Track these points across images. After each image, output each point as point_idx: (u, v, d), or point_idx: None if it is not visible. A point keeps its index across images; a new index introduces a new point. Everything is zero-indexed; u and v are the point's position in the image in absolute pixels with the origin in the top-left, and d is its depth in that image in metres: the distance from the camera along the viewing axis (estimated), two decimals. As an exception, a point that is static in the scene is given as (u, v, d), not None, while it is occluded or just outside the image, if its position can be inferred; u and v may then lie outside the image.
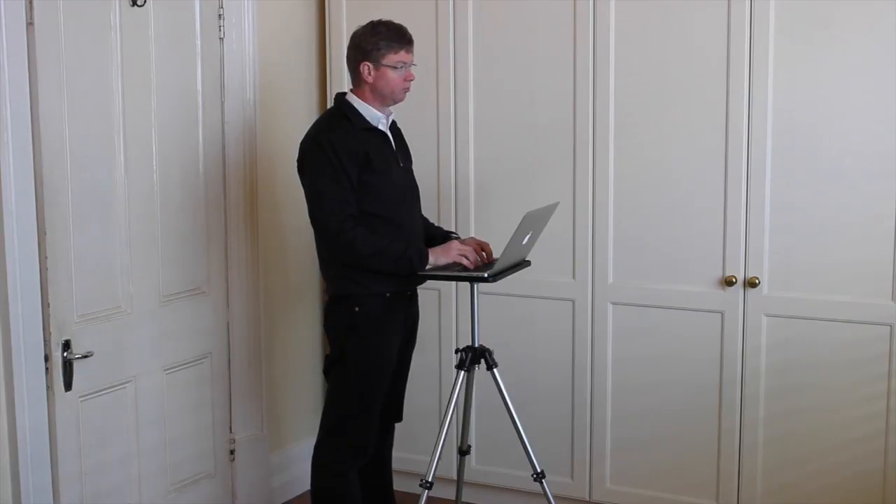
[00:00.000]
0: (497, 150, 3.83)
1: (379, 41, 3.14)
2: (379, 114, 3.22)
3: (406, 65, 3.18)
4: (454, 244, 3.27)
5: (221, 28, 3.67)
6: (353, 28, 3.97)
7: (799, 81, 3.34)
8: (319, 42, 4.18)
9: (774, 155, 3.39)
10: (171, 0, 3.45)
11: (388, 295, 3.21)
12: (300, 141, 3.24)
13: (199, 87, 3.60)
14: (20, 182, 2.93)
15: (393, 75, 3.16)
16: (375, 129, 3.22)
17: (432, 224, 3.58)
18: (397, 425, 3.53)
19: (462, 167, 3.89)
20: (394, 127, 3.36)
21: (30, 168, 2.97)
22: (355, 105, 3.21)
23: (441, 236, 3.46)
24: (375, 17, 3.78)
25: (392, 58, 3.14)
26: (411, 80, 3.21)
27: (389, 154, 3.25)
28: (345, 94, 3.28)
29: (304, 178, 3.21)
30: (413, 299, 3.41)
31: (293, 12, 4.08)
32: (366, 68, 3.17)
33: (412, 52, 3.20)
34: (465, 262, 3.22)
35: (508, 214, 3.81)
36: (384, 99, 3.21)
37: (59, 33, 3.04)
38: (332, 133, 3.16)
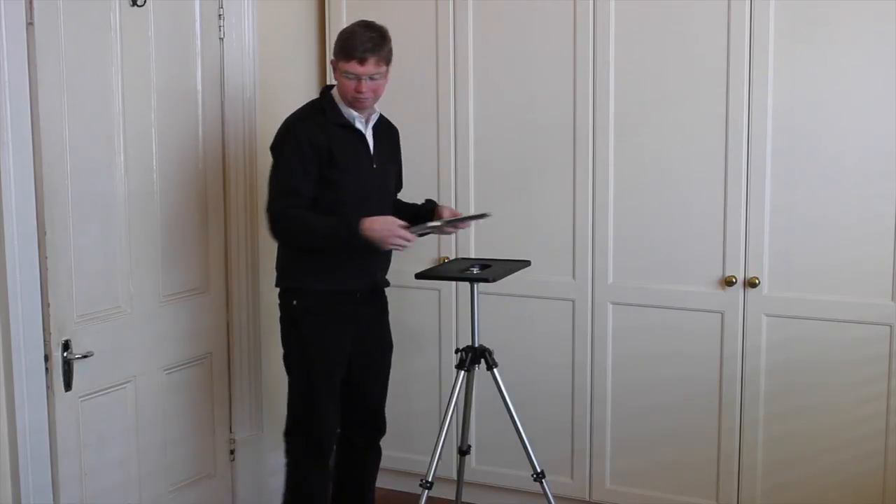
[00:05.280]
0: (497, 150, 3.83)
1: (337, 46, 3.17)
2: (354, 113, 3.22)
3: (354, 76, 3.13)
4: (392, 229, 3.08)
5: (221, 28, 3.67)
6: (353, 28, 4.00)
7: (799, 81, 3.33)
8: (319, 42, 4.18)
9: (774, 155, 3.39)
10: (171, 0, 3.45)
11: (324, 291, 3.20)
12: None
13: (199, 87, 3.60)
14: (20, 182, 2.93)
15: (345, 81, 3.16)
16: (350, 126, 3.22)
17: (408, 204, 3.50)
18: (397, 425, 3.53)
19: (462, 167, 3.89)
20: (385, 128, 3.37)
21: (30, 168, 2.96)
22: (335, 99, 3.24)
23: (413, 208, 3.43)
24: (375, 18, 3.78)
25: (342, 66, 3.14)
26: (361, 93, 3.15)
27: (361, 153, 3.25)
28: (332, 86, 3.30)
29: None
30: (373, 300, 3.37)
31: (293, 12, 4.08)
32: (333, 67, 3.22)
33: (366, 65, 3.12)
34: (397, 249, 3.17)
35: (508, 214, 3.82)
36: (344, 100, 3.22)
37: (59, 33, 3.04)
38: (301, 122, 3.22)
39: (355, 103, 3.19)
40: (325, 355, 3.24)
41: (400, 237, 3.07)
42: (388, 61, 3.20)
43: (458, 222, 3.30)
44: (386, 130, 3.39)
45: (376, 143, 3.31)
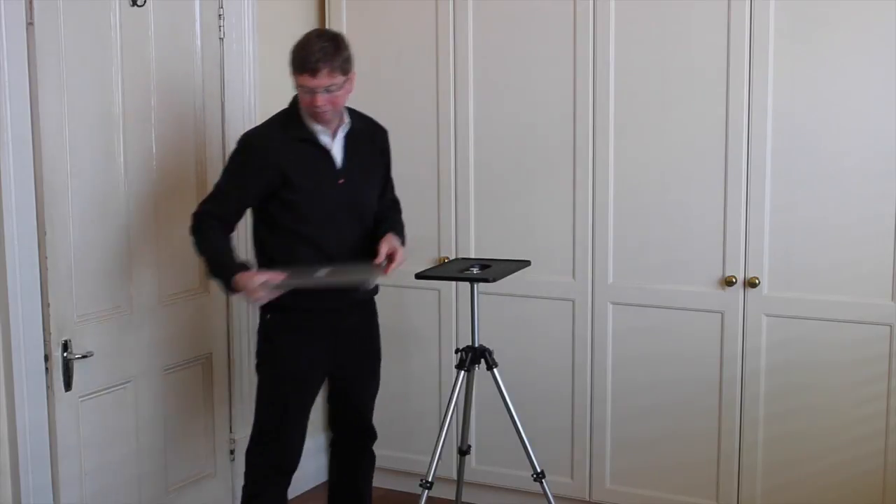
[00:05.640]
0: (497, 150, 3.83)
1: (290, 58, 2.98)
2: (318, 126, 3.05)
3: (308, 89, 2.94)
4: (248, 286, 2.92)
5: (221, 28, 3.67)
6: (354, 28, 4.00)
7: (799, 81, 3.33)
8: (319, 42, 4.17)
9: (774, 155, 3.39)
10: (171, 0, 3.45)
11: (298, 308, 3.07)
12: None
13: (200, 87, 3.60)
14: (20, 182, 2.94)
15: (302, 93, 2.99)
16: (313, 140, 3.06)
17: (385, 224, 3.24)
18: (397, 425, 3.53)
19: (462, 167, 3.88)
20: (363, 134, 3.17)
21: (30, 168, 2.97)
22: (301, 112, 3.06)
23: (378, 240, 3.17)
24: (375, 18, 3.80)
25: (297, 79, 2.97)
26: (317, 107, 2.97)
27: (324, 171, 3.06)
28: None
29: None
30: (355, 312, 3.22)
31: (293, 12, 4.08)
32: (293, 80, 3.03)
33: (319, 76, 2.92)
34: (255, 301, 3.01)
35: (508, 214, 3.82)
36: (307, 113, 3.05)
37: (59, 33, 3.04)
38: (256, 139, 3.08)
39: (314, 117, 3.02)
40: (298, 373, 3.12)
41: (255, 294, 2.93)
42: (345, 71, 2.98)
43: (341, 272, 3.03)
44: (364, 136, 3.18)
45: (348, 154, 3.11)
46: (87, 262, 3.18)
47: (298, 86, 2.98)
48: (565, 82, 3.67)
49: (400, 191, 3.81)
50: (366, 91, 4.01)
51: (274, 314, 3.11)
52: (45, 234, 3.02)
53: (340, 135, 3.10)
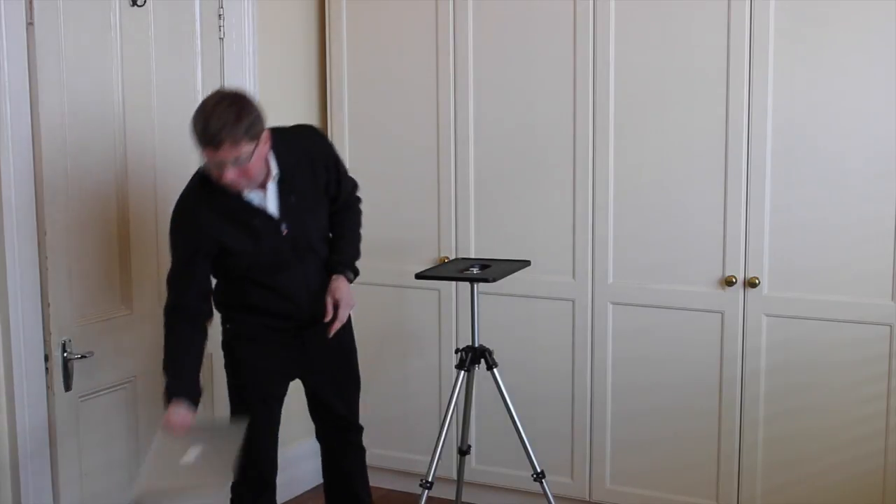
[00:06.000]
0: (497, 150, 3.83)
1: (190, 127, 2.70)
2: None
3: (213, 163, 2.68)
4: (169, 421, 2.86)
5: (221, 28, 3.67)
6: (354, 28, 4.01)
7: (799, 81, 3.33)
8: (319, 42, 4.18)
9: (774, 155, 3.39)
10: (171, 0, 3.45)
11: (256, 323, 3.02)
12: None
13: (199, 87, 3.60)
14: (20, 182, 2.94)
15: (209, 167, 2.72)
16: (243, 207, 2.85)
17: (335, 248, 3.11)
18: (397, 425, 3.52)
19: (462, 167, 3.88)
20: (296, 159, 2.92)
21: (30, 168, 2.97)
22: None
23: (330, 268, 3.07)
24: (375, 18, 3.80)
25: (201, 151, 2.71)
26: (227, 183, 2.71)
27: (264, 227, 2.87)
28: None
29: None
30: (321, 323, 3.02)
31: (293, 12, 4.08)
32: None
33: (221, 150, 2.63)
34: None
35: (508, 214, 3.82)
36: None
37: (59, 33, 3.04)
38: (183, 217, 2.86)
39: (228, 189, 2.74)
40: (258, 383, 3.07)
41: (168, 426, 2.85)
42: (253, 136, 2.66)
43: None
44: (298, 164, 2.91)
45: (284, 197, 2.89)
46: (87, 261, 3.18)
47: (204, 158, 2.71)
48: (565, 82, 3.67)
49: (400, 191, 3.83)
50: (366, 91, 4.03)
51: (233, 324, 3.07)
52: (45, 234, 3.02)
53: (271, 185, 2.86)
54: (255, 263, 2.94)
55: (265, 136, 2.73)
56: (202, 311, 2.98)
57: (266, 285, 2.97)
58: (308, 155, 2.98)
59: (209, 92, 3.59)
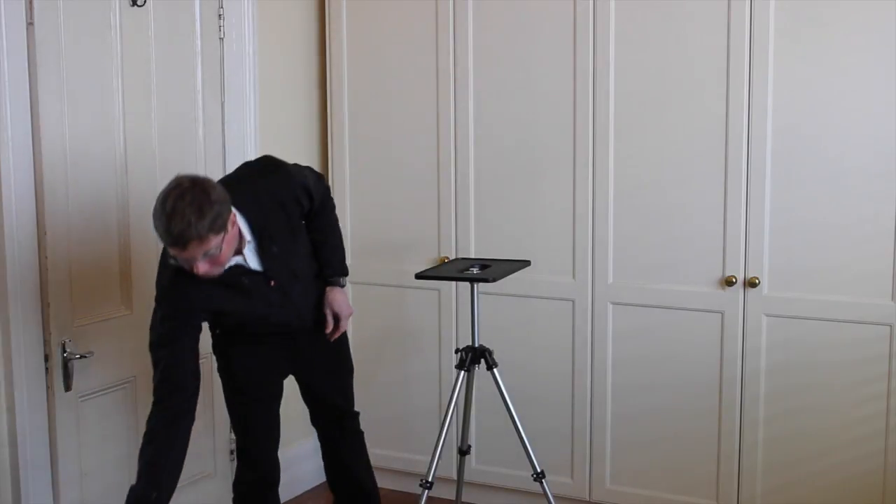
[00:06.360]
0: (497, 150, 3.83)
1: (153, 222, 2.58)
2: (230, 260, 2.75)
3: (182, 260, 2.59)
4: None
5: (221, 28, 3.67)
6: (354, 28, 4.00)
7: (799, 81, 3.33)
8: (319, 42, 4.18)
9: (774, 155, 3.39)
10: (171, 0, 3.45)
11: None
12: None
13: (199, 87, 3.60)
14: (20, 182, 2.94)
15: (179, 261, 2.63)
16: (228, 276, 2.79)
17: (325, 250, 3.12)
18: (397, 425, 3.51)
19: (462, 167, 3.88)
20: (268, 227, 2.86)
21: (30, 168, 2.97)
22: None
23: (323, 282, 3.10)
24: (375, 18, 3.79)
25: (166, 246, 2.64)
26: (200, 275, 2.62)
27: (251, 284, 2.85)
28: None
29: None
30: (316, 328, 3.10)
31: (293, 12, 4.08)
32: None
33: (189, 249, 2.53)
34: None
35: (508, 214, 3.82)
36: None
37: (59, 33, 3.04)
38: (170, 293, 2.76)
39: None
40: (253, 383, 3.08)
41: None
42: (219, 229, 2.56)
43: None
44: (270, 218, 2.86)
45: (264, 247, 2.85)
46: (86, 262, 3.18)
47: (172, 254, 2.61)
48: (565, 82, 3.67)
49: (400, 191, 3.82)
50: (366, 91, 4.03)
51: (222, 328, 3.08)
52: (45, 234, 3.03)
53: (248, 250, 2.83)
54: (255, 320, 2.97)
55: (231, 218, 2.64)
56: (191, 391, 2.87)
57: (263, 322, 3.00)
58: (276, 198, 2.89)
59: (209, 92, 3.63)
